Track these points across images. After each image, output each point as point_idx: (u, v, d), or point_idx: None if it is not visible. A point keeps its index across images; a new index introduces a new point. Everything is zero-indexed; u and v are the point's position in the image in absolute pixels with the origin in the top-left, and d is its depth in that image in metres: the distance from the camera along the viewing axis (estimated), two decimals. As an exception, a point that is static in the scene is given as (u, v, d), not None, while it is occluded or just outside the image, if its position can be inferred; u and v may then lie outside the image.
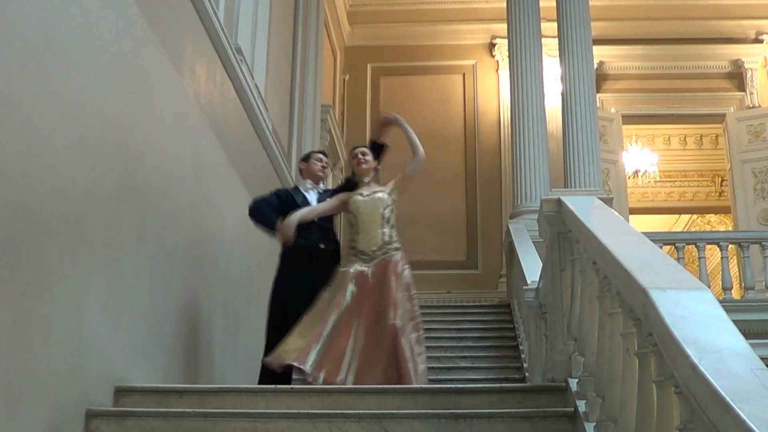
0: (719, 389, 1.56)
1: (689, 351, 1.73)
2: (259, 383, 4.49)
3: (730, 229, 13.30)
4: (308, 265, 4.74)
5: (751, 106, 11.54)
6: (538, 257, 6.10)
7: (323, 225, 4.89)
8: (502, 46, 11.38)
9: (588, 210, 3.28)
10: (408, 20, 12.05)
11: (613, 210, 3.41)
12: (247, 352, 5.56)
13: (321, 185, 5.16)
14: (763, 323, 7.20)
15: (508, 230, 8.34)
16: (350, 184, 4.85)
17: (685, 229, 15.70)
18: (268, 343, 4.65)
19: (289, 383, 4.33)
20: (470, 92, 11.95)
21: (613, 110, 11.59)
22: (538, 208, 3.74)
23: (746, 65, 11.73)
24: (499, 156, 11.56)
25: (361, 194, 4.63)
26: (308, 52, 8.82)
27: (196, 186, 4.78)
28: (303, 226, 4.69)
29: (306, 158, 5.28)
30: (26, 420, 2.72)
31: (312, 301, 4.41)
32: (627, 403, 2.32)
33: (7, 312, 2.62)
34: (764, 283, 8.41)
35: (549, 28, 9.67)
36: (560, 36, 9.21)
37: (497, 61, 11.93)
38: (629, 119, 11.77)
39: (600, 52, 10.54)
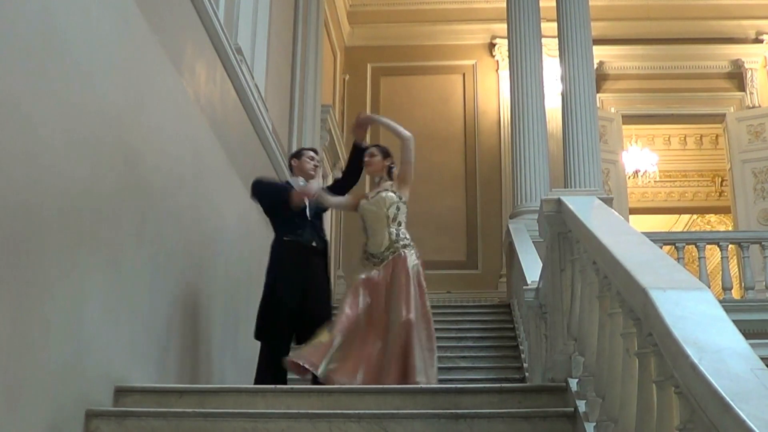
0: (719, 389, 1.56)
1: (689, 351, 1.73)
2: (257, 379, 4.53)
3: (730, 229, 13.30)
4: (300, 261, 4.72)
5: (751, 106, 11.54)
6: (538, 257, 6.09)
7: (315, 223, 4.89)
8: (502, 46, 11.37)
9: (588, 210, 3.28)
10: (408, 20, 12.04)
11: (613, 210, 3.41)
12: (247, 352, 5.55)
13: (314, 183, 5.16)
14: (763, 323, 7.20)
15: (508, 230, 8.33)
16: (338, 186, 4.92)
17: (685, 229, 15.70)
18: (258, 326, 4.73)
19: (285, 383, 4.33)
20: (470, 92, 11.94)
21: (613, 110, 11.59)
22: (538, 208, 3.75)
23: (746, 65, 11.73)
24: (499, 156, 11.56)
25: (367, 197, 4.65)
26: (308, 52, 8.81)
27: (196, 186, 4.78)
28: (297, 222, 4.71)
29: (298, 155, 5.16)
30: (26, 420, 2.72)
31: (304, 297, 4.57)
32: (627, 403, 2.32)
33: (7, 312, 2.61)
34: (764, 283, 8.42)
35: (549, 28, 9.66)
36: (560, 36, 9.21)
37: (497, 61, 11.93)
38: (629, 119, 11.77)
39: (600, 52, 10.54)
